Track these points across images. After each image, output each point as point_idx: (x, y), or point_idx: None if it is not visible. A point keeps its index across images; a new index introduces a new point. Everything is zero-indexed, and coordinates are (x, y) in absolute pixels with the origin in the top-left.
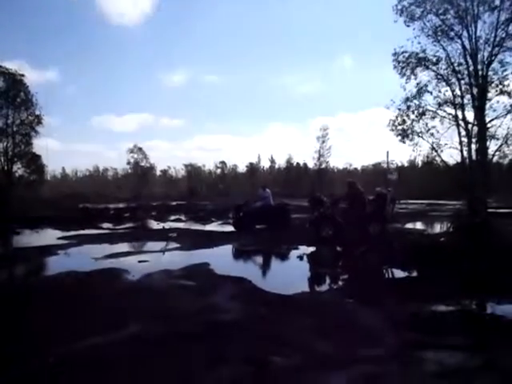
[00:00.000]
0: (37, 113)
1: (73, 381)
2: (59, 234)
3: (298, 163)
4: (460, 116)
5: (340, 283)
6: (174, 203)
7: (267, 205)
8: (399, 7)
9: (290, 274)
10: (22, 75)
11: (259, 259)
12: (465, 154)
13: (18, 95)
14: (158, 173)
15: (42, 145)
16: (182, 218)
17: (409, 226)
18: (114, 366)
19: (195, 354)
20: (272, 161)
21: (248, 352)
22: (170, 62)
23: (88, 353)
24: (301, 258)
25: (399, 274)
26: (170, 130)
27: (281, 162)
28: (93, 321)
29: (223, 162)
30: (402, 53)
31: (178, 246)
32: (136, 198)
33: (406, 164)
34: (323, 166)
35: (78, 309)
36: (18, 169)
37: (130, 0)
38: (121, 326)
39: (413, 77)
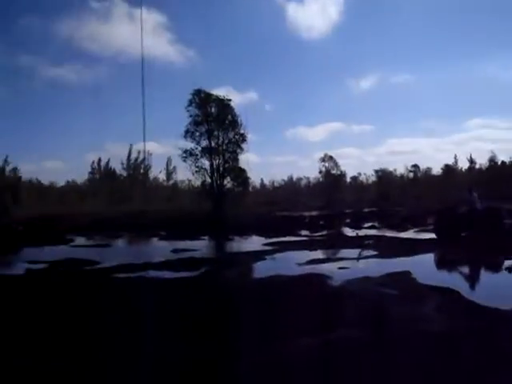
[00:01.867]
0: (241, 132)
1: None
2: (263, 240)
3: (503, 161)
4: None
5: None
6: (366, 210)
7: (474, 209)
8: None
9: (503, 286)
10: (230, 100)
11: (465, 269)
12: None
13: (226, 118)
14: (348, 180)
15: (244, 159)
16: (376, 224)
17: None
18: (330, 367)
19: (402, 363)
20: (471, 161)
21: (466, 366)
22: (357, 68)
23: (305, 352)
24: (510, 269)
25: None
26: (359, 137)
27: (482, 161)
28: (301, 322)
29: (416, 166)
30: None
31: (375, 253)
32: (328, 205)
33: None
34: None
35: (288, 310)
36: (228, 182)
37: (318, 10)
38: (328, 328)
39: None
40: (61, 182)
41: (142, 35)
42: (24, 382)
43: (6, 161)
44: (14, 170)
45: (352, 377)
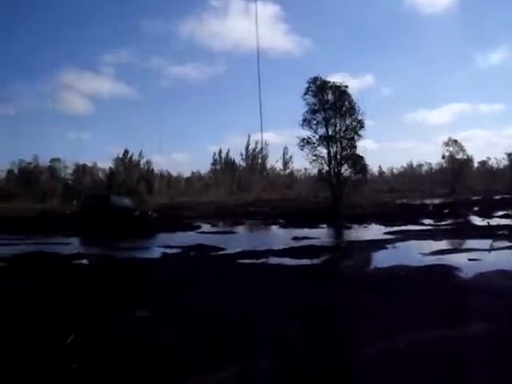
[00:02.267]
0: (359, 118)
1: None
2: (383, 229)
3: None
4: None
5: None
6: (497, 197)
7: None
8: None
9: None
10: (346, 86)
11: None
12: None
13: (343, 105)
14: (476, 165)
15: (362, 146)
16: (510, 213)
17: None
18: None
19: None
20: None
21: None
22: (485, 40)
23: (434, 346)
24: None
25: None
26: (488, 117)
27: None
28: (429, 315)
29: None
30: None
31: (510, 244)
32: (453, 192)
33: None
34: None
35: (415, 302)
36: (345, 170)
37: None
38: (459, 323)
39: None
40: (187, 173)
41: (257, 28)
42: None
43: (140, 154)
44: (148, 162)
45: (487, 374)
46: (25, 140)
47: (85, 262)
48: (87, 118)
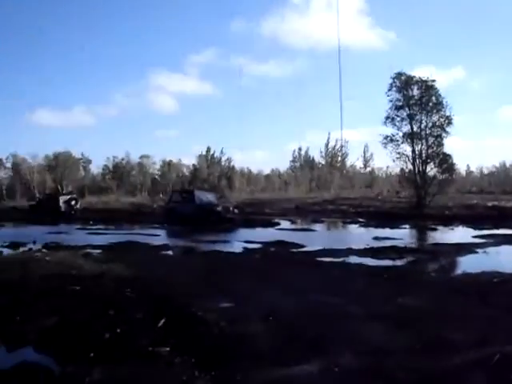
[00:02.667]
0: (447, 114)
1: None
2: (472, 232)
3: None
4: None
5: None
6: None
7: None
8: None
9: None
10: (433, 81)
11: None
12: None
13: (429, 100)
14: None
15: (449, 144)
16: None
17: None
18: None
19: None
20: None
21: None
22: None
23: None
24: None
25: None
26: None
27: None
28: None
29: None
30: None
31: None
32: None
33: None
34: None
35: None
36: (431, 169)
37: None
38: None
39: None
40: (267, 170)
41: (339, 24)
42: None
43: (221, 151)
44: (228, 159)
45: None
46: (118, 138)
47: (171, 252)
48: (174, 117)
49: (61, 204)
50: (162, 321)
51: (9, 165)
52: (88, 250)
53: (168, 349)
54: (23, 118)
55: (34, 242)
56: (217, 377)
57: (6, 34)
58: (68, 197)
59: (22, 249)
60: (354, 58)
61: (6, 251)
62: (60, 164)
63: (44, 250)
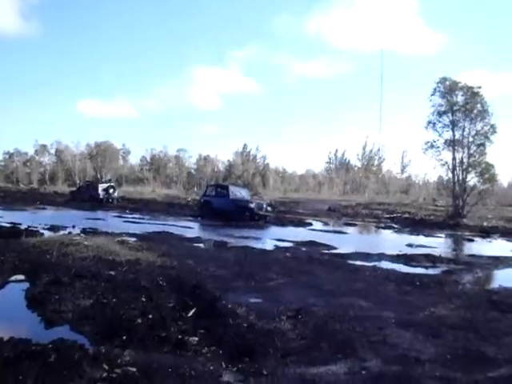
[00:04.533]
0: (492, 122)
1: None
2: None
3: None
4: None
5: None
6: None
7: None
8: None
9: None
10: (479, 87)
11: None
12: None
13: (474, 107)
14: None
15: (492, 153)
16: None
17: None
18: None
19: None
20: None
21: None
22: None
23: None
24: None
25: None
26: None
27: None
28: None
29: None
30: None
31: None
32: None
33: None
34: None
35: None
36: (471, 178)
37: None
38: None
39: None
40: (301, 170)
41: (384, 24)
42: None
43: (257, 149)
44: (263, 157)
45: None
46: (157, 130)
47: (203, 245)
48: (213, 112)
49: (100, 192)
50: (192, 311)
51: (53, 151)
52: (124, 238)
53: (197, 339)
54: (69, 107)
55: (74, 227)
56: (243, 370)
57: (54, 27)
58: (107, 185)
59: (61, 232)
60: (399, 60)
61: (47, 233)
62: (100, 153)
63: (82, 235)
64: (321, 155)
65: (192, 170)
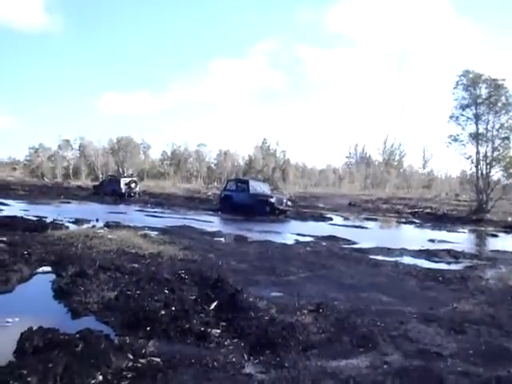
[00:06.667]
0: None
1: None
2: None
3: None
4: None
5: None
6: None
7: None
8: None
9: None
10: (504, 80)
11: None
12: None
13: (498, 100)
14: None
15: None
16: None
17: None
18: None
19: None
20: None
21: None
22: None
23: None
24: None
25: None
26: None
27: None
28: None
29: None
30: None
31: None
32: None
33: None
34: None
35: None
36: (495, 173)
37: None
38: None
39: None
40: (321, 165)
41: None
42: None
43: (277, 144)
44: (283, 152)
45: None
46: (178, 125)
47: (224, 239)
48: (233, 106)
49: (122, 186)
50: (214, 304)
51: (76, 146)
52: (146, 231)
53: (219, 331)
54: (91, 103)
55: (97, 220)
56: (265, 362)
57: (75, 23)
58: (128, 179)
59: (85, 225)
60: (423, 52)
61: (72, 227)
62: (122, 148)
63: (106, 228)
64: (341, 150)
65: (212, 165)
